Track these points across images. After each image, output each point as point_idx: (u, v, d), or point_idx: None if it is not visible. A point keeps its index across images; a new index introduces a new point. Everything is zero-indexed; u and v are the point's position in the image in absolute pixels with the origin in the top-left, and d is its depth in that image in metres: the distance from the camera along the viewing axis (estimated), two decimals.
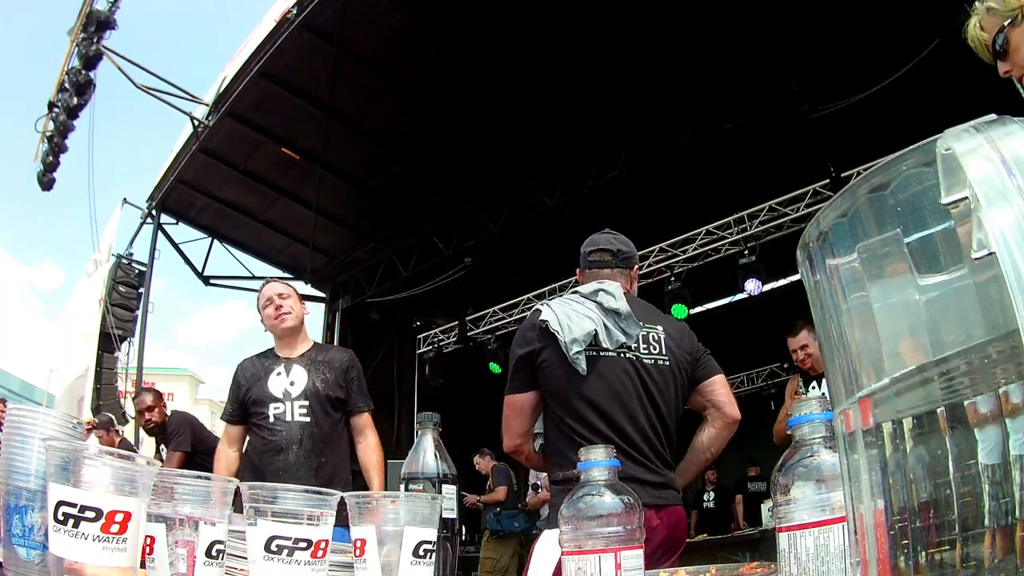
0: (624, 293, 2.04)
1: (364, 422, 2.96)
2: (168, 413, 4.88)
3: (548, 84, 6.63)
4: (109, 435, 5.17)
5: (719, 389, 2.04)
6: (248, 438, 2.95)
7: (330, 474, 2.80)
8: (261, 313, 3.00)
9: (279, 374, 2.89)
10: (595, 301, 1.97)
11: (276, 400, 2.83)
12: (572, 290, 2.10)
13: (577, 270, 2.24)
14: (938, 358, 0.49)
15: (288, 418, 2.81)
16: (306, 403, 2.83)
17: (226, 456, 2.96)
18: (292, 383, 2.87)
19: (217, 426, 3.51)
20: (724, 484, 8.86)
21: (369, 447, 2.95)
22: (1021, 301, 0.43)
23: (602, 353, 1.91)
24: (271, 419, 2.81)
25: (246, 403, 2.89)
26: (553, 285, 8.46)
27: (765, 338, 9.55)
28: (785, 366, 10.40)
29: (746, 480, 8.42)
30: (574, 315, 1.93)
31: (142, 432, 5.47)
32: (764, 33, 5.93)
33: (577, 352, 1.87)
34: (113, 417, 5.33)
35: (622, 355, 1.93)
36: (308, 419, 2.81)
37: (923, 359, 0.51)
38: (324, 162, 7.81)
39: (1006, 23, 1.44)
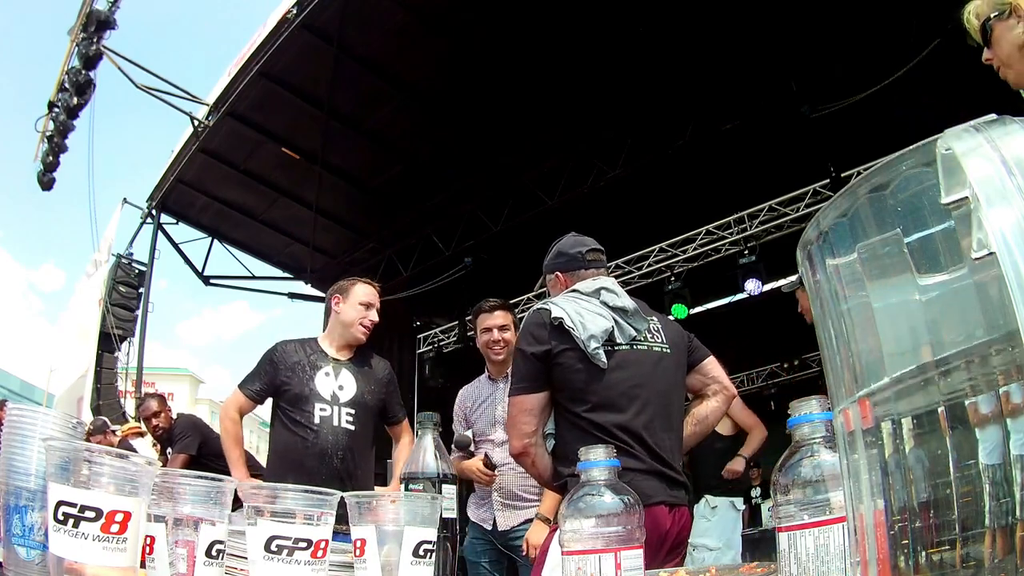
0: None
1: (404, 428, 3.00)
2: (174, 416, 4.89)
3: (548, 84, 6.62)
4: (106, 438, 5.16)
5: (716, 368, 2.11)
6: (274, 433, 2.82)
7: (358, 486, 2.68)
8: (354, 307, 2.85)
9: (327, 375, 2.78)
10: (599, 300, 1.96)
11: (324, 401, 2.73)
12: (570, 290, 2.05)
13: (557, 273, 2.13)
14: (938, 358, 0.49)
15: (335, 423, 2.72)
16: (353, 411, 2.76)
17: (235, 430, 2.82)
18: (341, 387, 2.78)
19: (216, 426, 3.49)
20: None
21: (405, 446, 2.98)
22: (1021, 301, 0.43)
23: (616, 347, 1.91)
24: (316, 420, 2.71)
25: (279, 390, 2.76)
26: None
27: (765, 338, 9.58)
28: (785, 366, 10.40)
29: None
30: (585, 312, 1.91)
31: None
32: (764, 33, 5.92)
33: (596, 348, 1.85)
34: (107, 420, 5.32)
35: (635, 347, 1.94)
36: (353, 428, 2.74)
37: (923, 359, 0.51)
38: (324, 162, 7.80)
39: (993, 14, 1.48)
